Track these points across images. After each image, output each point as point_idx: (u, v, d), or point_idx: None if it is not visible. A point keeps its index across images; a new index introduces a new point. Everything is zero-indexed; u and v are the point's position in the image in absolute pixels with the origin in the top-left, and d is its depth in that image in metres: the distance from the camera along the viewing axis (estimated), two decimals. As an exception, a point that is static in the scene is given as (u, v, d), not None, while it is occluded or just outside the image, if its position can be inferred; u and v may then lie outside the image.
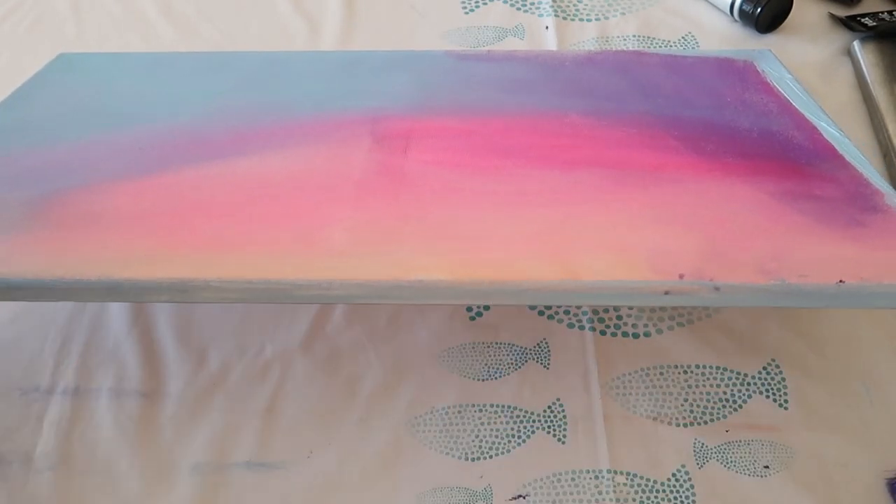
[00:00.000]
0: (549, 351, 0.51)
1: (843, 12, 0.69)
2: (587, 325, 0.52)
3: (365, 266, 0.39)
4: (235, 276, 0.39)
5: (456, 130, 0.51)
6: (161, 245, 0.41)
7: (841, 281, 0.38)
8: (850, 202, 0.44)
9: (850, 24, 0.67)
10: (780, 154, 0.48)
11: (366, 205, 0.44)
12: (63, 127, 0.53)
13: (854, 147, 0.49)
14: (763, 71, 0.59)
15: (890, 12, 0.68)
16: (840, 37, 0.68)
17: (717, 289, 0.39)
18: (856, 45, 0.65)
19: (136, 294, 0.39)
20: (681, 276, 0.39)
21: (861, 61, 0.64)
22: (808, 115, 0.53)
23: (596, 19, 0.69)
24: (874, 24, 0.66)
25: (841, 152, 0.48)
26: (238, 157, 0.49)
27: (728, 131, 0.51)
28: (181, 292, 0.39)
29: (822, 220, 0.43)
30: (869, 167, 0.47)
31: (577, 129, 0.51)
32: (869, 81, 0.63)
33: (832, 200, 0.44)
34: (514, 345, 0.51)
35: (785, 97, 0.55)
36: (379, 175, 0.46)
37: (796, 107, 0.53)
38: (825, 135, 0.50)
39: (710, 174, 0.47)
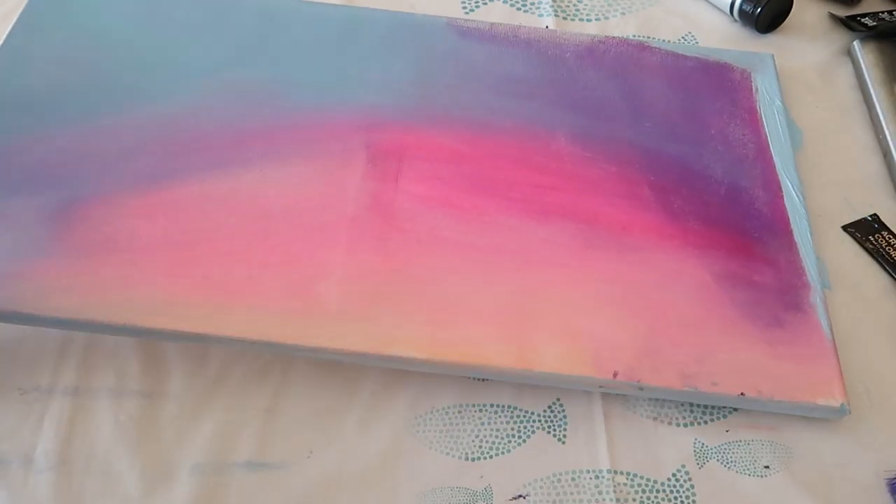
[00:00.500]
0: (549, 351, 0.51)
1: (843, 12, 0.69)
2: (587, 325, 0.52)
3: (352, 335, 0.46)
4: (242, 336, 0.45)
5: (447, 152, 0.54)
6: (178, 291, 0.46)
7: (742, 393, 0.46)
8: (780, 295, 0.50)
9: (850, 24, 0.67)
10: (738, 223, 0.53)
11: (356, 253, 0.49)
12: (58, 103, 0.54)
13: (805, 220, 0.53)
14: (756, 89, 0.60)
15: (890, 12, 0.68)
16: (840, 37, 0.68)
17: (640, 388, 0.46)
18: (856, 45, 0.65)
19: (156, 337, 0.46)
20: (614, 375, 0.46)
21: (861, 61, 0.64)
22: (779, 167, 0.56)
23: (596, 19, 0.69)
24: (874, 24, 0.66)
25: (793, 227, 0.53)
26: (238, 167, 0.52)
27: (699, 183, 0.55)
28: (196, 341, 0.46)
29: (749, 315, 0.49)
30: (810, 250, 0.52)
31: (560, 162, 0.55)
32: (869, 81, 0.63)
33: (765, 291, 0.50)
34: (514, 345, 0.51)
35: (766, 136, 0.58)
36: (370, 212, 0.51)
37: (772, 152, 0.57)
38: (786, 198, 0.54)
39: (670, 241, 0.52)
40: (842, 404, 0.46)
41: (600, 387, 0.46)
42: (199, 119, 0.54)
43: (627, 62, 0.61)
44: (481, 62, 0.60)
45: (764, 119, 0.58)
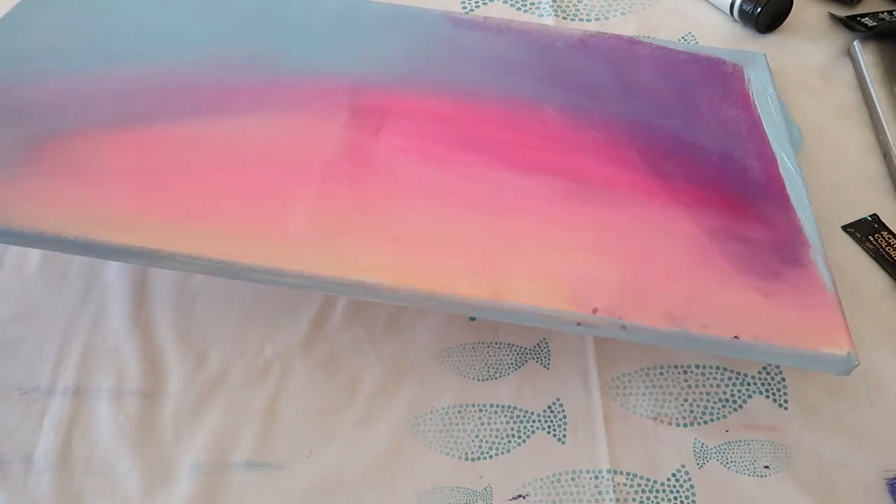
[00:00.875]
0: (549, 351, 0.51)
1: (843, 12, 0.69)
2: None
3: (315, 258, 0.43)
4: (198, 253, 0.43)
5: (431, 114, 0.53)
6: (137, 209, 0.45)
7: (736, 336, 0.42)
8: (777, 250, 0.47)
9: (850, 24, 0.67)
10: (731, 186, 0.51)
11: (329, 189, 0.47)
12: (56, 57, 0.55)
13: (803, 188, 0.51)
14: (749, 80, 0.59)
15: (890, 12, 0.68)
16: (840, 37, 0.68)
17: (623, 327, 0.42)
18: (856, 45, 0.65)
19: (109, 254, 0.44)
20: (594, 311, 0.42)
21: (861, 61, 0.64)
22: (773, 142, 0.54)
23: (596, 19, 0.69)
24: (874, 24, 0.66)
25: (789, 192, 0.51)
26: (220, 116, 0.51)
27: (690, 151, 0.53)
28: (150, 259, 0.43)
29: (743, 266, 0.46)
30: (809, 214, 0.49)
31: (547, 125, 0.53)
32: (869, 81, 0.63)
33: (760, 245, 0.47)
34: (513, 345, 0.51)
35: (758, 116, 0.56)
36: (347, 156, 0.49)
37: (766, 130, 0.55)
38: (781, 169, 0.52)
39: (658, 199, 0.49)
40: (849, 353, 0.42)
41: (578, 324, 0.43)
42: (189, 76, 0.54)
43: (618, 52, 0.61)
44: (474, 45, 0.60)
45: (757, 104, 0.57)
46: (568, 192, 0.49)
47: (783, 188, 0.51)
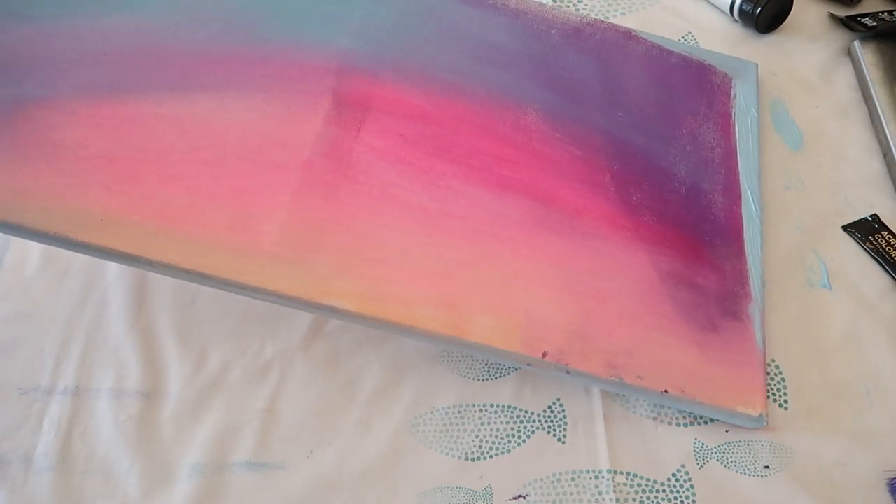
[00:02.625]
0: (549, 351, 0.51)
1: (843, 12, 0.69)
2: (587, 325, 0.52)
3: (287, 278, 0.44)
4: (174, 263, 0.43)
5: (414, 110, 0.53)
6: (114, 206, 0.44)
7: (665, 391, 0.46)
8: (720, 301, 0.50)
9: (850, 24, 0.67)
10: (692, 224, 0.53)
11: (305, 197, 0.47)
12: (28, 1, 0.51)
13: (759, 232, 0.53)
14: (735, 96, 0.60)
15: (890, 12, 0.68)
16: (840, 37, 0.68)
17: (567, 372, 0.46)
18: (856, 45, 0.65)
19: (85, 251, 0.44)
20: (543, 355, 0.45)
21: (861, 61, 0.64)
22: (742, 176, 0.56)
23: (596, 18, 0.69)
24: (874, 24, 0.66)
25: (745, 236, 0.53)
26: (199, 91, 0.50)
27: (662, 179, 0.54)
28: (129, 261, 0.44)
29: (686, 314, 0.49)
30: (758, 261, 0.52)
31: (528, 135, 0.54)
32: (869, 81, 0.63)
33: (707, 294, 0.50)
34: (514, 345, 0.51)
35: (735, 143, 0.58)
36: (327, 157, 0.49)
37: (738, 160, 0.57)
38: (743, 208, 0.54)
39: (622, 233, 0.51)
40: (760, 414, 0.46)
41: (528, 364, 0.46)
42: (166, 35, 0.52)
43: (612, 49, 0.60)
44: (465, 23, 0.58)
45: (736, 126, 0.58)
46: (537, 218, 0.50)
47: (740, 232, 0.53)
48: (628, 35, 0.62)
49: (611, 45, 0.61)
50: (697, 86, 0.60)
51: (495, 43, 0.58)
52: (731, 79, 0.61)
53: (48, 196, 0.44)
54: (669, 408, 0.48)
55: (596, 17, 0.69)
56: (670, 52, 0.61)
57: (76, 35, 0.50)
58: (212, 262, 0.44)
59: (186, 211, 0.45)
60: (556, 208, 0.51)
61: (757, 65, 0.62)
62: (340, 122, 0.51)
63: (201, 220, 0.45)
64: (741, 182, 0.55)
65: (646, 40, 0.61)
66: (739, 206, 0.54)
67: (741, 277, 0.51)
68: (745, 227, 0.53)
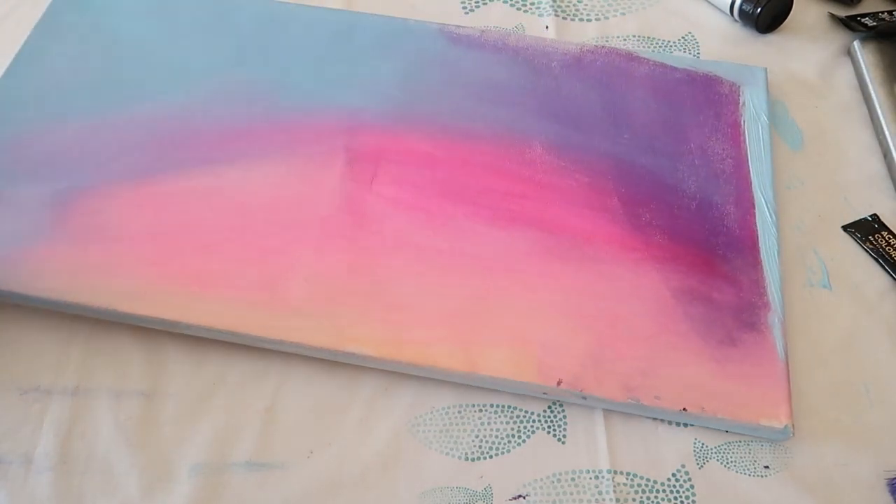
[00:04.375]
0: (549, 351, 0.51)
1: (843, 12, 0.69)
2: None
3: (310, 330, 0.48)
4: (212, 325, 0.48)
5: (423, 157, 0.56)
6: (156, 279, 0.50)
7: (684, 409, 0.46)
8: (737, 313, 0.50)
9: (850, 24, 0.67)
10: (705, 239, 0.53)
11: (325, 252, 0.51)
12: (70, 99, 0.58)
13: (775, 240, 0.53)
14: (743, 104, 0.60)
15: (890, 12, 0.68)
16: (840, 37, 0.68)
17: (584, 398, 0.47)
18: (856, 45, 0.65)
19: (135, 321, 0.49)
20: (558, 383, 0.47)
21: (861, 61, 0.64)
22: (755, 184, 0.55)
23: (596, 19, 0.69)
24: (874, 24, 0.66)
25: (760, 245, 0.53)
26: (225, 165, 0.55)
27: (671, 196, 0.55)
28: (170, 326, 0.49)
29: (702, 330, 0.49)
30: (775, 269, 0.51)
31: (534, 167, 0.56)
32: (869, 81, 0.63)
33: (723, 307, 0.50)
34: (514, 345, 0.51)
35: (746, 152, 0.57)
36: (342, 213, 0.53)
37: (750, 168, 0.56)
38: (757, 217, 0.54)
39: (633, 255, 0.52)
40: (785, 426, 0.45)
41: (544, 393, 0.47)
42: (193, 117, 0.57)
43: (614, 72, 0.61)
44: (467, 67, 0.61)
45: (747, 134, 0.58)
46: (546, 248, 0.52)
47: (755, 241, 0.53)
48: (630, 57, 0.62)
49: (612, 69, 0.61)
50: (704, 98, 0.60)
51: (498, 82, 0.60)
52: (739, 87, 0.61)
53: (98, 274, 0.50)
54: (669, 408, 0.48)
55: (596, 18, 0.69)
56: (674, 69, 0.61)
57: (115, 128, 0.57)
58: (243, 321, 0.48)
59: (219, 276, 0.50)
60: (565, 236, 0.52)
61: (765, 69, 0.62)
62: (354, 176, 0.54)
63: (233, 283, 0.50)
64: (754, 190, 0.55)
65: (648, 60, 0.62)
66: (753, 215, 0.54)
67: (758, 287, 0.51)
68: (759, 235, 0.53)
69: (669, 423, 0.48)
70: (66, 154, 0.55)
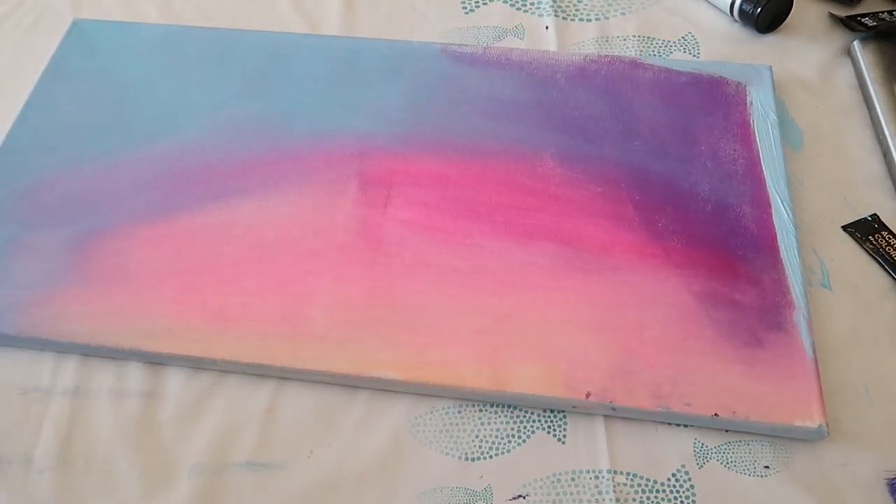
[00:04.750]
0: (549, 351, 0.51)
1: (843, 12, 0.69)
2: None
3: (335, 357, 0.48)
4: (235, 359, 0.48)
5: (435, 177, 0.56)
6: (178, 316, 0.50)
7: (715, 414, 0.46)
8: (761, 314, 0.49)
9: (850, 24, 0.67)
10: (722, 241, 0.53)
11: (344, 279, 0.51)
12: (82, 142, 0.59)
13: (794, 237, 0.53)
14: (751, 103, 0.60)
15: (890, 12, 0.68)
16: (840, 37, 0.68)
17: (613, 409, 0.47)
18: (856, 45, 0.65)
19: (161, 360, 0.50)
20: (587, 396, 0.46)
21: (861, 61, 0.64)
22: (769, 182, 0.55)
23: (596, 19, 0.69)
24: (874, 24, 0.66)
25: (779, 243, 0.52)
26: (238, 197, 0.55)
27: (685, 200, 0.55)
28: (195, 363, 0.49)
29: (727, 333, 0.49)
30: (797, 268, 0.51)
31: (546, 181, 0.56)
32: (869, 81, 0.63)
33: (746, 309, 0.50)
34: (514, 345, 0.51)
35: (757, 150, 0.57)
36: (359, 238, 0.53)
37: (763, 166, 0.56)
38: (774, 216, 0.54)
39: (652, 262, 0.52)
40: (819, 425, 0.45)
41: (573, 407, 0.47)
42: (205, 152, 0.58)
43: (619, 80, 0.61)
44: (473, 86, 0.61)
45: (756, 133, 0.58)
46: (566, 261, 0.52)
47: (774, 240, 0.53)
48: (634, 64, 0.62)
49: (617, 77, 0.61)
50: (711, 100, 0.60)
51: (504, 98, 0.60)
52: (745, 86, 0.61)
53: (121, 316, 0.50)
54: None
55: (596, 18, 0.69)
56: (679, 73, 0.62)
57: (130, 166, 0.57)
58: (268, 354, 0.48)
59: (240, 310, 0.50)
60: (583, 248, 0.52)
61: (770, 67, 0.62)
62: (367, 201, 0.55)
63: (255, 316, 0.49)
64: (768, 189, 0.55)
65: (652, 65, 0.62)
66: (770, 214, 0.54)
67: (781, 287, 0.50)
68: (778, 234, 0.53)
69: (669, 423, 0.48)
70: (83, 197, 0.55)
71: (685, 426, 0.48)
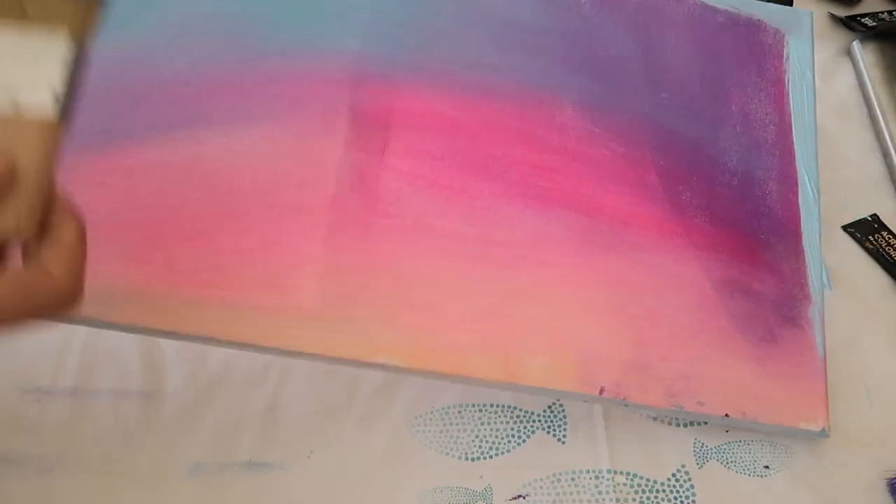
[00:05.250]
0: (549, 351, 0.51)
1: (843, 12, 0.69)
2: (587, 325, 0.52)
3: (330, 339, 0.42)
4: (213, 335, 0.41)
5: (440, 120, 0.47)
6: (138, 279, 0.41)
7: (726, 415, 0.44)
8: (778, 306, 0.46)
9: (850, 24, 0.67)
10: (746, 221, 0.48)
11: (337, 242, 0.44)
12: None
13: (817, 223, 0.49)
14: (787, 57, 0.53)
15: (890, 12, 0.68)
16: (840, 37, 0.68)
17: (626, 405, 0.44)
18: (856, 45, 0.65)
19: (121, 329, 0.41)
20: (601, 392, 0.44)
21: (861, 61, 0.64)
22: (798, 157, 0.50)
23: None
24: (874, 24, 0.66)
25: (803, 230, 0.48)
26: (204, 127, 0.45)
27: (712, 170, 0.49)
28: (166, 335, 0.42)
29: (743, 326, 0.46)
30: (817, 258, 0.48)
31: (565, 137, 0.48)
32: (869, 81, 0.63)
33: (764, 300, 0.46)
34: (514, 345, 0.51)
35: (790, 117, 0.52)
36: (353, 192, 0.45)
37: (794, 138, 0.51)
38: (800, 197, 0.49)
39: (672, 241, 0.47)
40: (822, 429, 0.45)
41: (585, 401, 0.46)
42: (158, 59, 0.46)
43: (650, 14, 0.53)
44: (485, 4, 0.51)
45: (790, 94, 0.52)
46: (583, 235, 0.46)
47: (797, 225, 0.48)
48: None
49: (649, 8, 0.53)
50: (747, 49, 0.52)
51: (521, 23, 0.51)
52: (784, 35, 0.53)
53: (100, 285, 0.39)
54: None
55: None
56: (715, 11, 0.54)
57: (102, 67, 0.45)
58: (251, 331, 0.41)
59: (215, 274, 0.42)
60: (602, 219, 0.47)
61: (811, 13, 0.56)
62: (362, 145, 0.46)
63: (232, 283, 0.42)
64: (797, 164, 0.49)
65: (687, 0, 0.54)
66: (796, 194, 0.48)
67: (800, 278, 0.47)
68: (802, 218, 0.48)
69: (670, 422, 0.48)
70: None
71: (685, 426, 0.48)
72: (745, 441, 0.47)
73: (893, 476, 0.46)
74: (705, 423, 0.48)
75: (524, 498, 0.45)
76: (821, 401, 0.45)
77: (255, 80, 0.46)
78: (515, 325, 0.44)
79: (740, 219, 0.48)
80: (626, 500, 0.45)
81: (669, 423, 0.48)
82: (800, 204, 0.49)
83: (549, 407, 0.49)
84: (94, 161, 0.43)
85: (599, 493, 0.45)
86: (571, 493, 0.46)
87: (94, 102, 0.41)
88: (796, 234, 0.48)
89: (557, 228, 0.46)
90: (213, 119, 0.45)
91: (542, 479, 0.46)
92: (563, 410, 0.48)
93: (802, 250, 0.48)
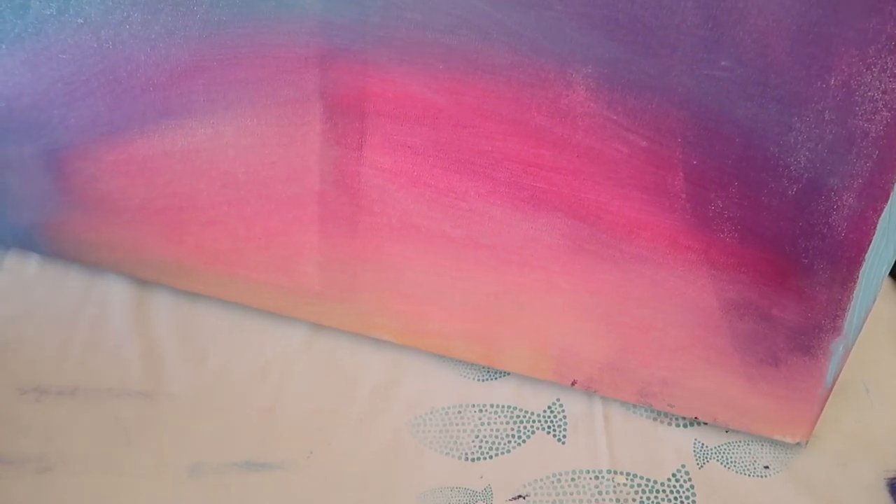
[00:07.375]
0: (549, 351, 0.51)
1: None
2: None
3: (336, 316, 0.49)
4: (250, 305, 0.51)
5: (418, 106, 0.40)
6: (181, 257, 0.50)
7: (695, 418, 0.45)
8: (795, 335, 0.41)
9: None
10: (790, 241, 0.38)
11: (330, 236, 0.47)
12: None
13: (892, 249, 0.37)
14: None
15: (890, 12, 0.68)
16: None
17: (593, 394, 0.46)
18: (856, 44, 0.65)
19: (187, 295, 0.52)
20: (573, 383, 0.46)
21: (861, 61, 0.64)
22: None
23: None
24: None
25: (868, 255, 0.37)
26: (188, 116, 0.44)
27: (764, 173, 0.37)
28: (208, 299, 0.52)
29: (743, 348, 0.42)
30: (872, 288, 0.39)
31: (571, 125, 0.38)
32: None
33: (779, 327, 0.41)
34: (514, 345, 0.51)
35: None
36: (337, 188, 0.44)
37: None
38: (888, 210, 0.36)
39: (684, 255, 0.40)
40: (798, 442, 0.45)
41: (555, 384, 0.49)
42: (126, 40, 0.42)
43: None
44: None
45: None
46: (576, 242, 0.41)
47: (864, 251, 0.37)
48: None
49: None
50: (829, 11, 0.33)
51: None
52: None
53: (133, 248, 0.50)
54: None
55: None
56: None
57: (58, 60, 0.43)
58: (276, 304, 0.49)
59: (235, 256, 0.48)
60: (603, 227, 0.41)
61: None
62: (338, 138, 0.42)
63: (251, 265, 0.48)
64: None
65: None
66: (879, 213, 0.36)
67: (836, 309, 0.39)
68: (874, 243, 0.37)
69: (670, 423, 0.48)
70: (35, 109, 0.45)
71: (685, 426, 0.48)
72: (745, 441, 0.47)
73: (893, 476, 0.46)
74: (705, 422, 0.48)
75: (524, 498, 0.45)
76: (808, 421, 0.44)
77: (221, 60, 0.42)
78: (497, 320, 0.47)
79: (782, 237, 0.38)
80: (626, 500, 0.45)
81: (669, 424, 0.48)
82: (878, 226, 0.36)
83: (549, 407, 0.49)
84: (112, 152, 0.47)
85: (599, 493, 0.45)
86: (571, 493, 0.46)
87: (91, 95, 0.44)
88: (856, 261, 0.38)
89: (547, 234, 0.42)
90: (194, 109, 0.44)
91: (541, 479, 0.46)
92: (563, 411, 0.48)
93: (856, 279, 0.38)
